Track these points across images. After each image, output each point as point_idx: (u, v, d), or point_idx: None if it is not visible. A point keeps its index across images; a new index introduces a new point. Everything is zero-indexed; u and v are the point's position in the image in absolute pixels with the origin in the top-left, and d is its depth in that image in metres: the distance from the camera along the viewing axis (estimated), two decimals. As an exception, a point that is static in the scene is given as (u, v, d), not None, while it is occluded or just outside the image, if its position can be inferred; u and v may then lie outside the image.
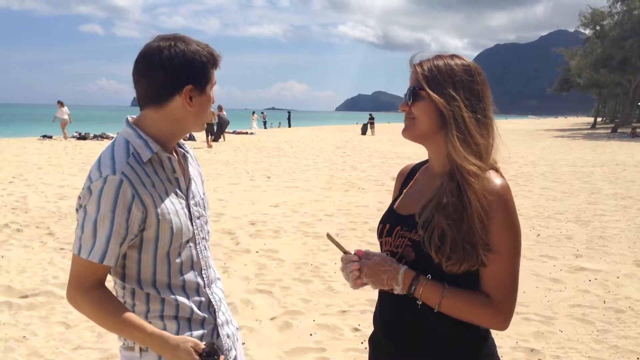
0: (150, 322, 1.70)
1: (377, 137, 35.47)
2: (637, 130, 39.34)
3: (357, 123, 44.84)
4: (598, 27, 53.21)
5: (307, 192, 11.52)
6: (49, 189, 11.31)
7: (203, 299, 1.83)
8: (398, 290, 1.59)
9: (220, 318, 1.88)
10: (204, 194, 1.95)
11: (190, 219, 1.80)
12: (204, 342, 1.68)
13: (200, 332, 1.79)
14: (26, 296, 5.12)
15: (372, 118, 39.87)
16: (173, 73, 1.68)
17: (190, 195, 1.83)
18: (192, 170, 1.92)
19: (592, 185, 12.84)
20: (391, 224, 1.73)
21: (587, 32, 56.42)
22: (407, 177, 1.89)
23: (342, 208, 9.72)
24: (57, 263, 6.12)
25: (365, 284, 1.63)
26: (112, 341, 4.17)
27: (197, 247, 1.83)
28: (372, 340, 1.82)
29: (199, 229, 1.84)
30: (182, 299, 1.76)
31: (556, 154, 22.16)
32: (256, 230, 7.92)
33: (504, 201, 1.53)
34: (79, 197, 1.66)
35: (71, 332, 4.39)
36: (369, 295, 5.25)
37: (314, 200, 10.59)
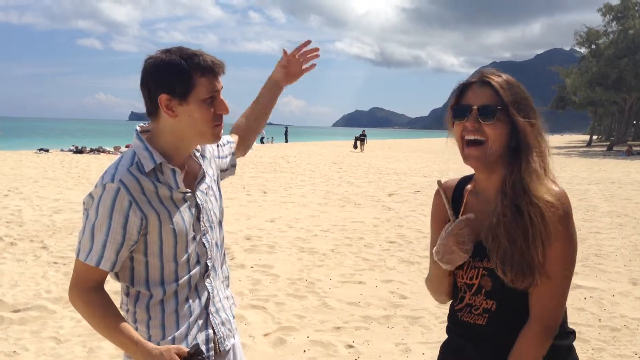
0: (150, 331, 1.76)
1: (373, 152, 35.52)
2: (633, 148, 39.52)
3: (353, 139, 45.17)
4: (593, 46, 53.71)
5: (303, 208, 11.51)
6: (44, 202, 11.27)
7: (200, 289, 1.85)
8: None
9: (216, 305, 1.90)
10: (212, 183, 1.94)
11: (198, 216, 1.82)
12: (189, 346, 1.71)
13: (195, 325, 1.82)
14: (18, 310, 5.07)
15: (364, 134, 40.00)
16: (149, 84, 1.70)
17: (199, 191, 1.84)
18: (207, 167, 1.92)
19: (587, 202, 12.85)
20: None
21: (583, 50, 56.95)
22: (453, 196, 1.77)
23: (337, 224, 9.70)
24: (51, 277, 6.07)
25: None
26: (104, 356, 4.13)
27: (204, 237, 1.84)
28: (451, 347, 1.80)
29: (204, 219, 1.84)
30: (182, 297, 1.79)
31: (552, 171, 22.18)
32: (251, 245, 7.89)
33: (566, 216, 1.54)
34: (83, 202, 1.72)
35: (62, 347, 4.34)
36: (364, 312, 5.23)
37: (309, 215, 10.57)
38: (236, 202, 12.06)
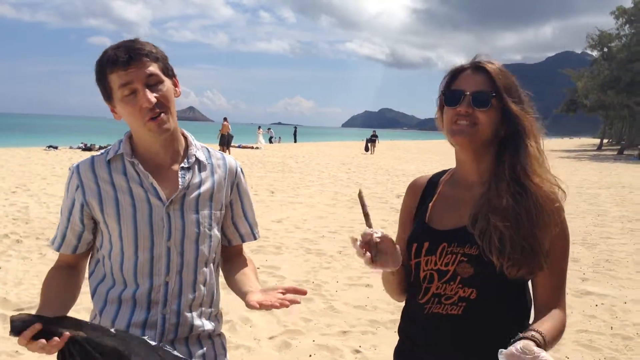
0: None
1: (382, 153, 35.38)
2: (644, 152, 39.16)
3: (362, 140, 44.78)
4: (606, 49, 53.34)
5: (311, 208, 11.44)
6: (51, 199, 11.26)
7: (151, 313, 1.69)
8: None
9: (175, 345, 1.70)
10: (204, 209, 1.75)
11: (164, 225, 1.68)
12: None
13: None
14: (22, 309, 5.03)
15: (375, 135, 38.42)
16: None
17: (178, 203, 1.71)
18: (207, 183, 1.77)
19: (598, 207, 12.70)
20: (431, 241, 1.60)
21: (595, 53, 56.56)
22: (425, 190, 1.78)
23: (345, 225, 9.63)
24: (55, 275, 6.03)
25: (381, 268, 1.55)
26: (107, 358, 4.08)
27: (168, 254, 1.69)
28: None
29: (174, 238, 1.69)
30: (126, 307, 1.70)
31: (562, 175, 21.95)
32: (258, 246, 7.82)
33: (561, 208, 1.57)
34: None
35: (65, 348, 4.29)
36: (371, 316, 5.15)
37: (317, 216, 10.51)
38: (244, 201, 11.99)
